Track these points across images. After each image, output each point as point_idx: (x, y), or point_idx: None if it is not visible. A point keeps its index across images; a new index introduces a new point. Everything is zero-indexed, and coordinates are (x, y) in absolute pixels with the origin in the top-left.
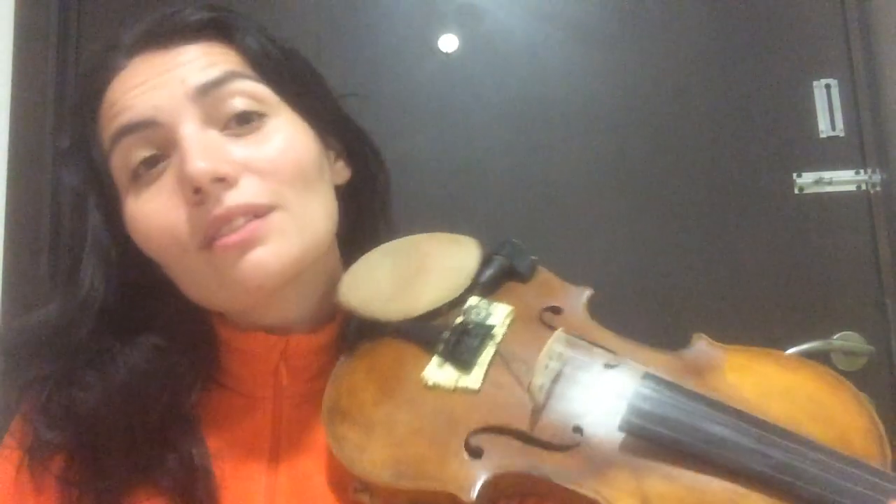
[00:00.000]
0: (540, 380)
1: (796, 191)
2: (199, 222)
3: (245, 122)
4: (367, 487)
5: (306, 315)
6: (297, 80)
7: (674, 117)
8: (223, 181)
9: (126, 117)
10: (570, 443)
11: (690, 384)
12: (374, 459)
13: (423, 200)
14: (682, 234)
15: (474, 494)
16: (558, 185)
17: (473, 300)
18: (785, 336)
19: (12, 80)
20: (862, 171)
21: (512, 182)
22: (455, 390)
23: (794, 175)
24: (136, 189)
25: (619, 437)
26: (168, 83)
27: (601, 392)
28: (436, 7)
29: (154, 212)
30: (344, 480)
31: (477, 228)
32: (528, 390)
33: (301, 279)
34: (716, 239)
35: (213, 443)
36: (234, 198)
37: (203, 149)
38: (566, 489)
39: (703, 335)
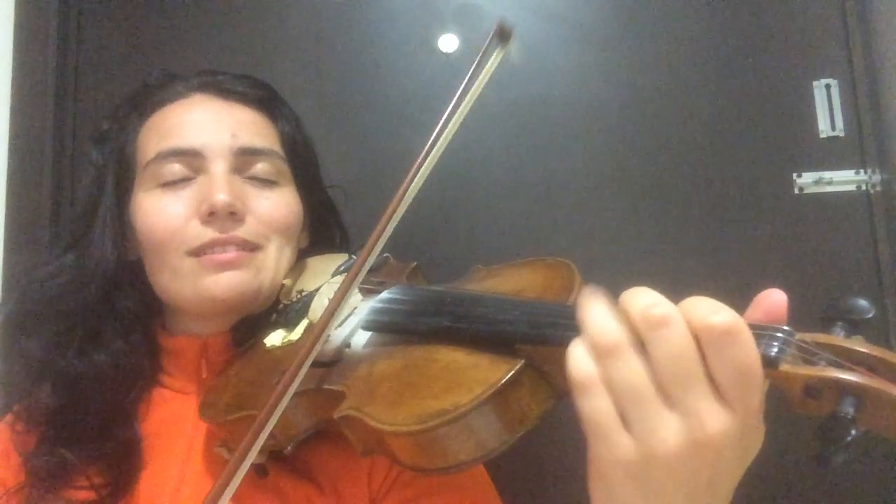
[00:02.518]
0: (319, 311)
1: (796, 191)
2: (201, 235)
3: (262, 180)
4: (223, 441)
5: (227, 327)
6: (305, 166)
7: (674, 117)
8: (234, 214)
9: (180, 141)
10: (339, 357)
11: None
12: (218, 406)
13: (422, 200)
14: (682, 234)
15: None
16: (558, 185)
17: (321, 288)
18: None
19: (12, 80)
20: (862, 171)
21: (512, 182)
22: (282, 345)
23: (794, 175)
24: (161, 191)
25: (366, 336)
26: (221, 130)
27: (367, 311)
28: (436, 7)
29: (168, 212)
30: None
31: (476, 228)
32: (314, 324)
33: (247, 307)
34: (716, 239)
35: (146, 429)
36: (236, 230)
37: (228, 186)
38: (325, 390)
39: (480, 266)
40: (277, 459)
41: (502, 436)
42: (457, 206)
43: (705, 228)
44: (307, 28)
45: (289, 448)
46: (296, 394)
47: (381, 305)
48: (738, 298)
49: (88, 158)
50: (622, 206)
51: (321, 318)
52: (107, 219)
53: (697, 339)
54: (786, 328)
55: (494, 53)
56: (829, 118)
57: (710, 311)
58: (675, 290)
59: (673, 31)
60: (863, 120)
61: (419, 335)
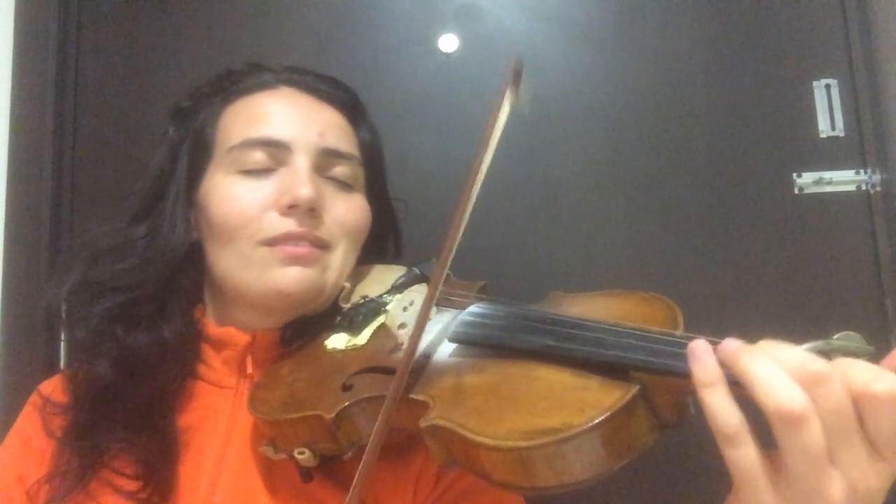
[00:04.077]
0: (398, 320)
1: (796, 191)
2: (278, 226)
3: (339, 182)
4: (270, 440)
5: (279, 324)
6: (377, 176)
7: (673, 117)
8: (314, 211)
9: (270, 131)
10: (419, 366)
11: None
12: (273, 404)
13: (423, 200)
14: (682, 235)
15: (333, 414)
16: (558, 185)
17: (384, 296)
18: (784, 336)
19: (12, 80)
20: (862, 171)
21: (511, 182)
22: (346, 349)
23: (794, 175)
24: (240, 177)
25: (451, 348)
26: (310, 126)
27: (448, 325)
28: (436, 7)
29: (247, 199)
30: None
31: (476, 228)
32: (392, 331)
33: (307, 305)
34: (716, 239)
35: (182, 421)
36: (312, 226)
37: (312, 182)
38: (405, 398)
39: (559, 291)
40: (324, 466)
41: (607, 462)
42: (455, 205)
43: (705, 228)
44: (307, 28)
45: (349, 454)
46: (366, 399)
47: (472, 319)
48: (738, 298)
49: (164, 133)
50: (622, 206)
51: (416, 327)
52: (178, 196)
53: (855, 400)
54: None
55: (506, 95)
56: (829, 118)
57: (872, 377)
58: (675, 289)
59: (672, 32)
60: (863, 120)
61: (516, 352)
